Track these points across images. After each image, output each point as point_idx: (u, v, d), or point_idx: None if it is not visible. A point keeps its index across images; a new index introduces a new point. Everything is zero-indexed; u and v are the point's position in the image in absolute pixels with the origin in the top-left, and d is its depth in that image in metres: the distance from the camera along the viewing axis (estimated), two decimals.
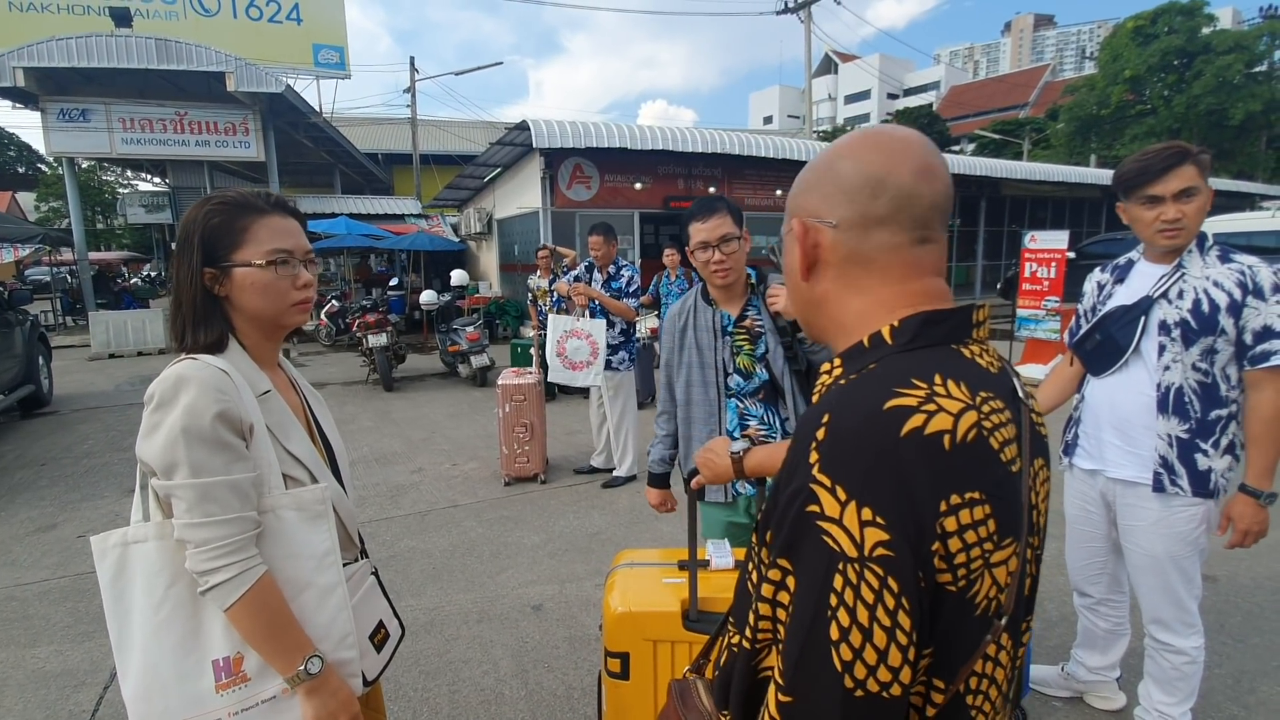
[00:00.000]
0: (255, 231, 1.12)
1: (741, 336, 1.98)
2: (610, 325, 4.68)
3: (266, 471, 1.08)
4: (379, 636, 1.24)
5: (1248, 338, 1.79)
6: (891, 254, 0.69)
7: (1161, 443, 1.88)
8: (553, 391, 7.16)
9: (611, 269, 4.78)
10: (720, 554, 1.68)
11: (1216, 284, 1.81)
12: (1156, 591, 1.97)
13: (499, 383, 4.85)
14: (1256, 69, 25.02)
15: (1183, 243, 1.85)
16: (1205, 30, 25.05)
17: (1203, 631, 1.99)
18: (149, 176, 20.40)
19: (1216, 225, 13.66)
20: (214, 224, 1.10)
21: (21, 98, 12.45)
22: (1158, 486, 1.89)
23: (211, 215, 1.11)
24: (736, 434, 1.98)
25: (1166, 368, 1.87)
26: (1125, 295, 1.98)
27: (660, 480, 2.19)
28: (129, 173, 23.76)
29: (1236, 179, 22.44)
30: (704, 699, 0.76)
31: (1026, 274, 8.29)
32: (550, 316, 4.65)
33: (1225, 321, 1.79)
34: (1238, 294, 1.79)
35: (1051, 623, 2.85)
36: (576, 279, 4.85)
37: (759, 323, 1.97)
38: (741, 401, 2.00)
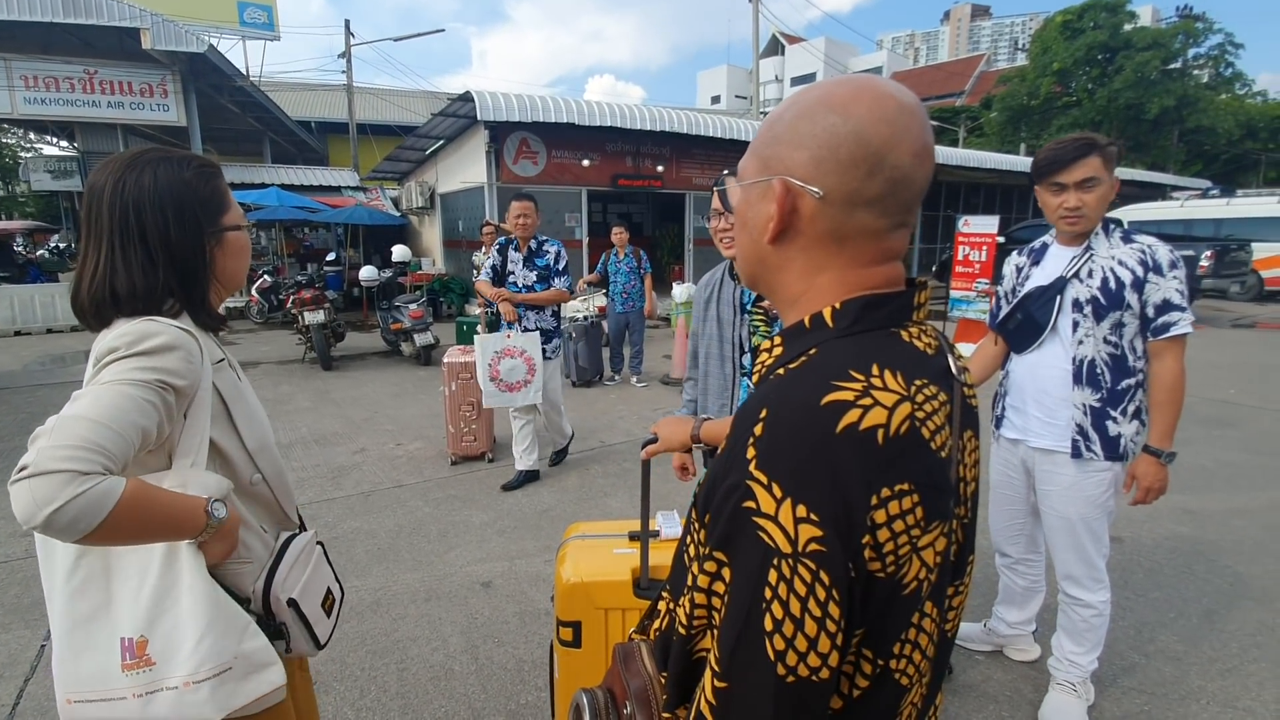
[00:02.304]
0: (229, 195, 1.13)
1: (759, 316, 1.93)
2: (539, 310, 4.26)
3: (199, 440, 1.05)
4: (328, 602, 1.25)
5: (1150, 311, 1.95)
6: (868, 238, 0.66)
7: (1077, 412, 2.03)
8: None
9: (533, 244, 4.23)
10: (669, 524, 1.73)
11: (1121, 263, 1.96)
12: (1069, 550, 2.13)
13: (444, 360, 4.76)
14: (1172, 66, 26.51)
15: (1083, 229, 1.99)
16: (1127, 27, 26.34)
17: (1109, 587, 2.16)
18: (55, 140, 18.88)
19: (1131, 214, 14.56)
20: (209, 188, 1.09)
21: None
22: (1075, 453, 2.04)
23: (202, 179, 1.09)
24: None
25: (1080, 342, 2.01)
26: (1041, 276, 2.11)
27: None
28: (32, 135, 21.94)
29: (1150, 170, 23.80)
30: (647, 662, 0.78)
31: (959, 257, 8.64)
32: (477, 338, 4.17)
33: (1130, 297, 1.94)
34: (1140, 271, 1.93)
35: (975, 583, 3.04)
36: (493, 268, 4.26)
37: None
38: (753, 381, 1.95)
